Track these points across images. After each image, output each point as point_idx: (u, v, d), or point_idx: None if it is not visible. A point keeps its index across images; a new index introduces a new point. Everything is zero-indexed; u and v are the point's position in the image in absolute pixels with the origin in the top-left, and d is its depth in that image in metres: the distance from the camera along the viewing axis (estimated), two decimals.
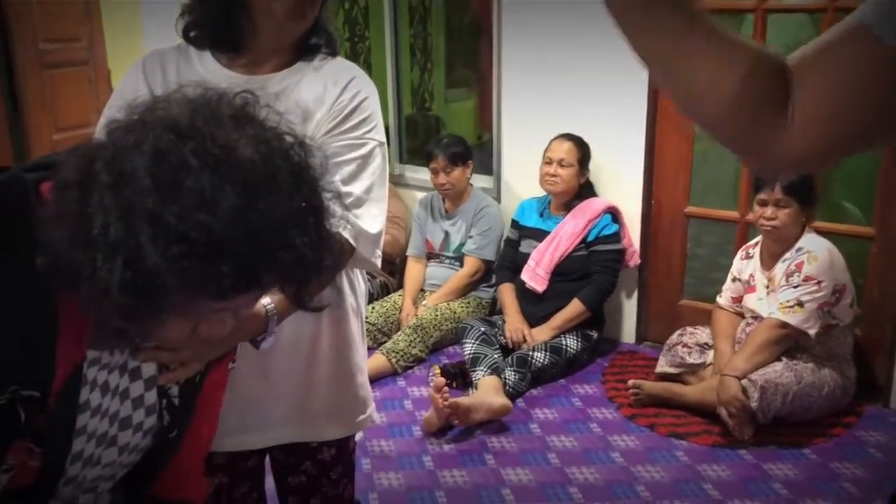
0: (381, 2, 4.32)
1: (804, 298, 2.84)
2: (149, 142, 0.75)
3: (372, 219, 1.41)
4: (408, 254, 3.95)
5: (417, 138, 4.89)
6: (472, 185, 3.86)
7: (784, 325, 2.85)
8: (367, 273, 1.73)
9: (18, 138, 4.38)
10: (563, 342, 3.37)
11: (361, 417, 1.63)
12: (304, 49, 1.46)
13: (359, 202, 1.40)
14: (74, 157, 0.80)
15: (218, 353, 1.09)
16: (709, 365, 3.11)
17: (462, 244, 3.80)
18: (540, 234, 3.55)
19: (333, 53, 1.49)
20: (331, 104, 1.42)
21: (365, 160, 1.42)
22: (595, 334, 3.49)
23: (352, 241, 1.35)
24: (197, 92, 0.83)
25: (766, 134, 0.81)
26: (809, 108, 0.79)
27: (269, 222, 0.76)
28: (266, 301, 1.19)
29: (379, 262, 1.47)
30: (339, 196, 1.35)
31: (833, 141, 0.81)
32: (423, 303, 3.72)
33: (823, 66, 0.79)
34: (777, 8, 3.19)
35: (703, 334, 3.22)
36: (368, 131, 1.44)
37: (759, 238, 3.12)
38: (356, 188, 1.40)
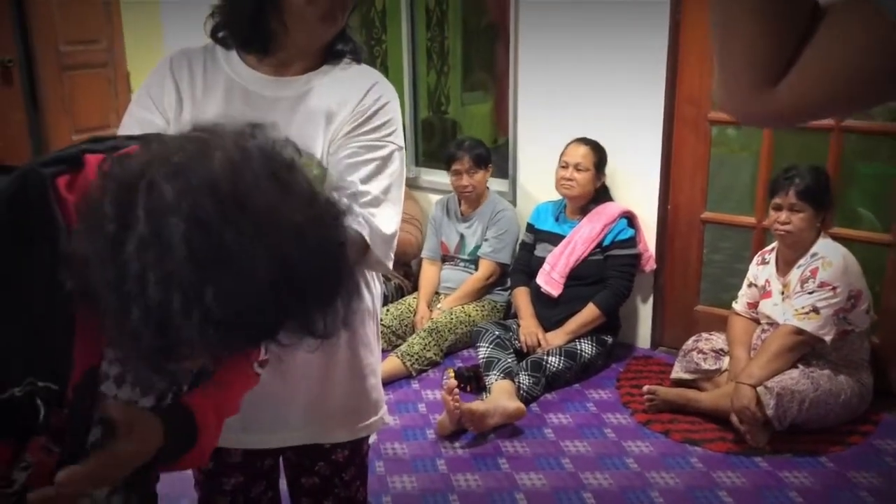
0: (398, 5, 4.33)
1: (819, 304, 2.82)
2: (189, 205, 0.75)
3: (387, 219, 1.42)
4: (423, 256, 3.96)
5: (433, 141, 4.90)
6: (488, 188, 3.86)
7: (800, 331, 2.83)
8: (382, 275, 1.73)
9: (38, 139, 4.44)
10: (578, 347, 3.36)
11: (374, 419, 1.64)
12: (330, 54, 1.48)
13: (376, 202, 1.41)
14: (112, 181, 0.79)
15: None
16: (724, 371, 3.10)
17: (477, 247, 3.80)
18: (555, 238, 3.54)
19: (358, 60, 1.51)
20: (354, 106, 1.44)
21: (384, 161, 1.44)
22: (610, 339, 3.48)
23: (367, 239, 1.36)
24: (240, 141, 0.82)
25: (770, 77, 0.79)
26: (802, 66, 0.78)
27: (301, 301, 0.78)
28: None
29: (391, 264, 1.48)
30: (356, 195, 1.37)
31: (815, 102, 0.80)
32: (438, 306, 3.72)
33: (823, 28, 0.78)
34: None
35: (718, 340, 3.20)
36: (389, 134, 1.46)
37: (774, 244, 3.11)
38: (374, 188, 1.41)
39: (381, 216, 1.40)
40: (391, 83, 1.53)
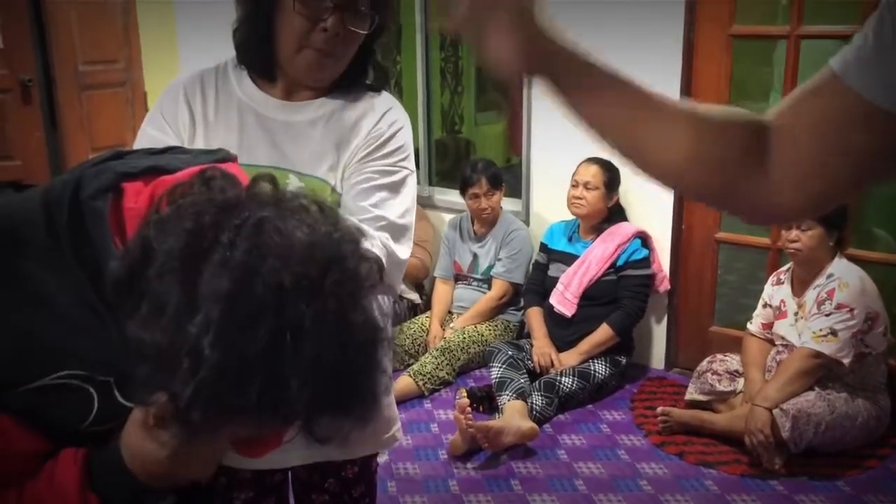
0: (413, 25, 4.36)
1: (837, 327, 2.79)
2: (251, 299, 0.71)
3: (402, 245, 1.43)
4: (436, 275, 3.96)
5: (447, 161, 4.92)
6: (501, 207, 3.86)
7: (818, 354, 2.80)
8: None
9: (56, 157, 4.49)
10: (592, 367, 3.34)
11: (386, 436, 1.63)
12: (343, 80, 1.47)
13: (391, 227, 1.42)
14: (185, 227, 0.75)
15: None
16: (739, 393, 3.07)
17: (490, 267, 3.80)
18: (569, 258, 3.54)
19: (377, 89, 1.50)
20: (368, 131, 1.45)
21: (398, 186, 1.45)
22: (624, 360, 3.46)
23: (384, 263, 1.36)
24: (280, 200, 0.78)
25: (737, 188, 0.85)
26: (794, 160, 0.82)
27: (336, 393, 0.76)
28: None
29: (399, 288, 1.49)
30: (371, 220, 1.38)
31: (821, 191, 0.84)
32: (451, 325, 3.72)
33: (801, 119, 0.82)
34: (809, 34, 3.17)
35: (733, 361, 3.18)
36: (402, 160, 1.47)
37: (790, 264, 3.09)
38: (389, 213, 1.42)
39: (396, 241, 1.41)
40: (405, 104, 1.55)
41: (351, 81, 1.48)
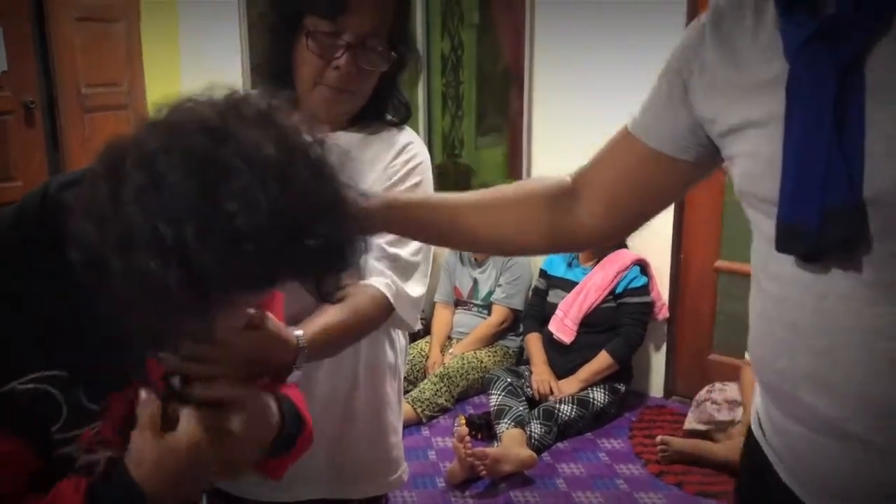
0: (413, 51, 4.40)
1: None
2: (183, 144, 0.76)
3: (415, 283, 1.43)
4: (436, 300, 3.96)
5: (447, 185, 4.93)
6: None
7: None
8: None
9: None
10: (591, 395, 3.34)
11: (392, 478, 1.63)
12: (363, 115, 1.47)
13: (405, 265, 1.41)
14: (104, 155, 0.81)
15: (244, 374, 1.07)
16: (738, 422, 3.06)
17: (491, 292, 3.80)
18: (568, 285, 3.54)
19: (396, 124, 1.49)
20: (385, 166, 1.44)
21: None
22: (623, 388, 3.46)
23: (392, 302, 1.37)
24: (222, 94, 0.85)
25: (562, 234, 1.14)
26: (595, 200, 1.12)
27: (302, 214, 0.78)
28: (298, 332, 1.18)
29: (417, 325, 1.48)
30: (385, 258, 1.38)
31: (619, 220, 1.14)
32: (450, 351, 3.72)
33: (605, 168, 1.13)
34: None
35: (732, 390, 3.17)
36: None
37: None
38: (403, 251, 1.41)
39: (408, 279, 1.41)
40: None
41: (371, 116, 1.47)
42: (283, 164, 0.78)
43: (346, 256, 0.87)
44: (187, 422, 0.88)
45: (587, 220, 1.12)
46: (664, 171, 1.07)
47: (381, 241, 1.40)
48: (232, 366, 1.00)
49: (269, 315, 1.08)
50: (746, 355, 3.18)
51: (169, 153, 0.75)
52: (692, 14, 3.30)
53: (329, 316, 1.25)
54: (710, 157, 1.04)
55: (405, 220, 1.12)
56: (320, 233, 0.80)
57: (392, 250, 1.40)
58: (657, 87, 1.07)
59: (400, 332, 1.60)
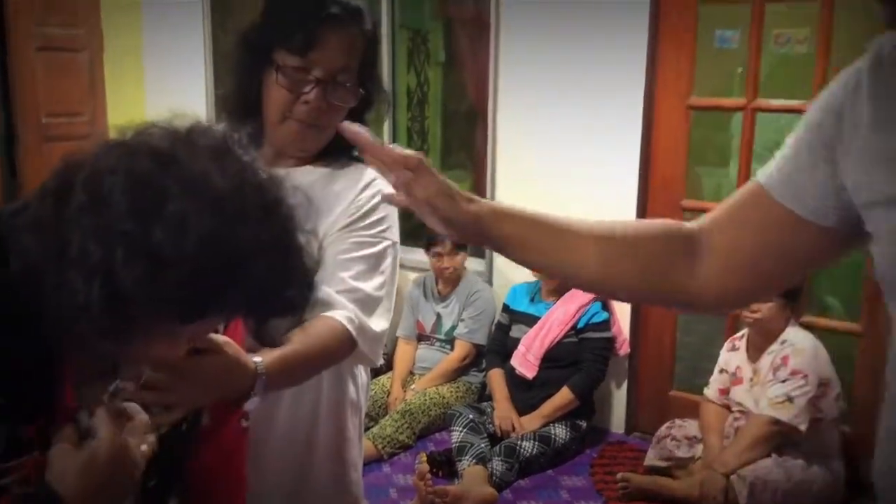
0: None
1: (794, 393, 2.83)
2: (125, 165, 0.77)
3: (378, 317, 1.42)
4: (398, 335, 3.94)
5: (411, 219, 4.94)
6: (465, 268, 3.88)
7: (776, 421, 2.83)
8: None
9: None
10: (552, 431, 3.34)
11: None
12: (330, 150, 1.48)
13: (368, 300, 1.41)
14: (58, 170, 0.83)
15: (202, 401, 1.07)
16: (698, 459, 3.08)
17: (454, 327, 3.80)
18: (531, 320, 3.55)
19: (364, 160, 1.50)
20: (350, 201, 1.45)
21: (377, 258, 1.45)
22: (584, 424, 3.46)
23: (354, 336, 1.36)
24: (186, 124, 0.85)
25: (683, 291, 1.00)
26: (722, 260, 0.97)
27: (237, 251, 0.78)
28: (257, 359, 1.17)
29: (380, 361, 1.48)
30: (350, 291, 1.38)
31: (745, 287, 0.99)
32: (412, 386, 3.70)
33: (732, 224, 0.97)
34: (765, 108, 3.29)
35: (692, 427, 3.19)
36: (383, 230, 1.47)
37: (745, 330, 3.14)
38: (367, 286, 1.42)
39: (371, 315, 1.41)
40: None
41: (338, 151, 1.48)
42: (227, 197, 0.78)
43: (283, 303, 0.86)
44: (104, 427, 0.87)
45: (705, 280, 0.98)
46: (798, 234, 0.91)
47: (345, 274, 1.40)
48: (188, 393, 0.99)
49: (229, 340, 1.07)
50: (705, 391, 3.21)
51: (114, 174, 0.76)
52: (652, 56, 3.38)
53: (289, 345, 1.24)
54: (853, 227, 0.88)
55: (510, 233, 1.03)
56: (254, 273, 0.79)
57: (355, 284, 1.40)
58: (796, 137, 0.92)
59: (362, 367, 1.60)
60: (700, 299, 1.00)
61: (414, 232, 4.57)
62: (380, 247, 1.45)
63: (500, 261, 3.94)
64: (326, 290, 1.38)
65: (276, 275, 0.82)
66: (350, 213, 1.44)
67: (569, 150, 3.60)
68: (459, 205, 1.01)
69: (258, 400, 1.20)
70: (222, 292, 0.79)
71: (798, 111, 3.33)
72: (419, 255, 4.03)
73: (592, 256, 1.01)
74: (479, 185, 4.48)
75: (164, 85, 4.58)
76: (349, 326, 1.35)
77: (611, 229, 1.03)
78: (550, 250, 1.03)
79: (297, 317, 0.91)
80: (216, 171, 0.79)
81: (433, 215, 1.02)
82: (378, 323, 1.42)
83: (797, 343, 2.91)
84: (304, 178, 1.45)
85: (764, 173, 0.94)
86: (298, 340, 1.27)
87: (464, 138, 5.31)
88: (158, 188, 0.76)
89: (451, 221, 1.02)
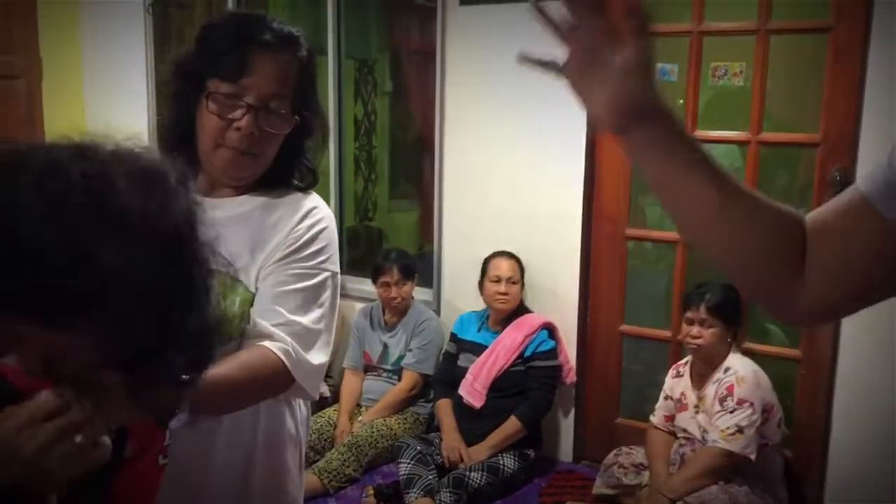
0: (326, 113, 4.42)
1: (743, 423, 2.86)
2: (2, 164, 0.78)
3: (317, 351, 1.39)
4: (344, 366, 3.89)
5: (359, 249, 4.92)
6: (413, 297, 3.86)
7: (728, 454, 2.86)
8: None
9: None
10: (501, 461, 3.32)
11: None
12: (268, 179, 1.45)
13: (306, 333, 1.38)
14: None
15: (113, 422, 1.01)
16: (645, 486, 3.09)
17: (401, 357, 3.77)
18: (478, 349, 3.55)
19: (303, 189, 1.48)
20: (288, 231, 1.42)
21: (316, 290, 1.42)
22: (532, 453, 3.45)
23: (290, 370, 1.33)
24: (111, 143, 0.85)
25: (785, 287, 0.91)
26: (821, 268, 0.89)
27: (99, 264, 0.75)
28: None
29: (317, 395, 1.45)
30: (284, 325, 1.35)
31: (840, 300, 0.92)
32: (359, 418, 3.64)
33: (832, 232, 0.90)
34: (704, 139, 3.37)
35: (638, 454, 3.21)
36: (323, 261, 1.44)
37: (689, 357, 3.18)
38: (305, 319, 1.38)
39: (309, 348, 1.37)
40: (318, 191, 1.52)
41: (276, 180, 1.46)
42: (88, 204, 0.77)
43: (161, 358, 0.82)
44: None
45: (810, 287, 0.90)
46: None
47: (282, 308, 1.37)
48: (109, 408, 0.95)
49: None
50: (651, 418, 3.23)
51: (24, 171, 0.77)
52: None
53: (218, 367, 1.20)
54: None
55: (665, 133, 0.86)
56: (119, 301, 0.76)
57: (293, 317, 1.37)
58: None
59: (301, 403, 1.57)
60: (796, 301, 0.91)
61: (360, 261, 4.55)
62: (319, 278, 1.42)
63: (447, 290, 3.93)
64: (263, 323, 1.35)
65: (149, 313, 0.78)
66: (288, 244, 1.41)
67: (515, 180, 3.63)
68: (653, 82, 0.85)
69: (186, 416, 1.16)
70: (77, 300, 0.75)
71: (735, 142, 3.43)
72: (366, 285, 4.00)
73: (716, 204, 0.88)
74: (427, 215, 4.49)
75: (105, 113, 4.50)
76: (285, 360, 1.32)
77: (750, 204, 0.90)
78: (711, 209, 0.88)
79: (183, 388, 0.86)
80: (79, 186, 0.77)
81: (619, 82, 0.83)
82: (316, 356, 1.39)
83: (740, 371, 2.95)
84: (240, 207, 1.43)
85: (866, 182, 0.87)
86: (228, 363, 1.24)
87: (411, 168, 5.32)
88: (11, 186, 0.76)
89: (627, 102, 0.84)
